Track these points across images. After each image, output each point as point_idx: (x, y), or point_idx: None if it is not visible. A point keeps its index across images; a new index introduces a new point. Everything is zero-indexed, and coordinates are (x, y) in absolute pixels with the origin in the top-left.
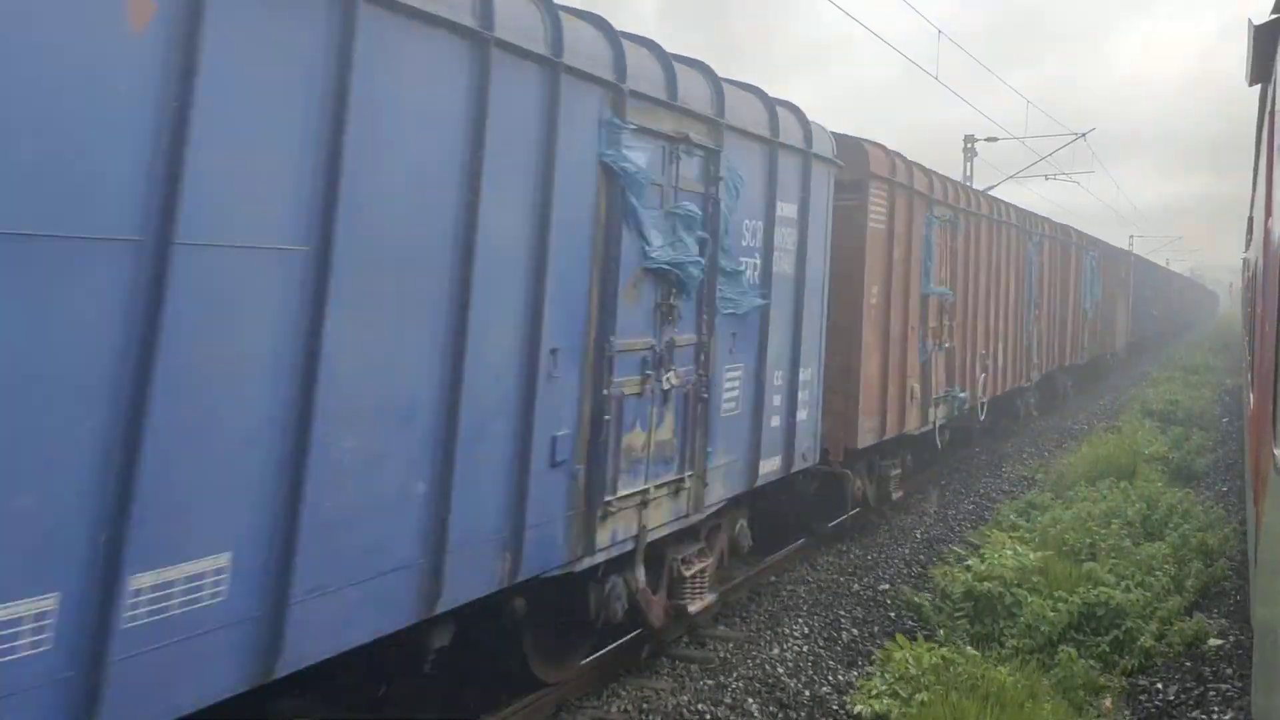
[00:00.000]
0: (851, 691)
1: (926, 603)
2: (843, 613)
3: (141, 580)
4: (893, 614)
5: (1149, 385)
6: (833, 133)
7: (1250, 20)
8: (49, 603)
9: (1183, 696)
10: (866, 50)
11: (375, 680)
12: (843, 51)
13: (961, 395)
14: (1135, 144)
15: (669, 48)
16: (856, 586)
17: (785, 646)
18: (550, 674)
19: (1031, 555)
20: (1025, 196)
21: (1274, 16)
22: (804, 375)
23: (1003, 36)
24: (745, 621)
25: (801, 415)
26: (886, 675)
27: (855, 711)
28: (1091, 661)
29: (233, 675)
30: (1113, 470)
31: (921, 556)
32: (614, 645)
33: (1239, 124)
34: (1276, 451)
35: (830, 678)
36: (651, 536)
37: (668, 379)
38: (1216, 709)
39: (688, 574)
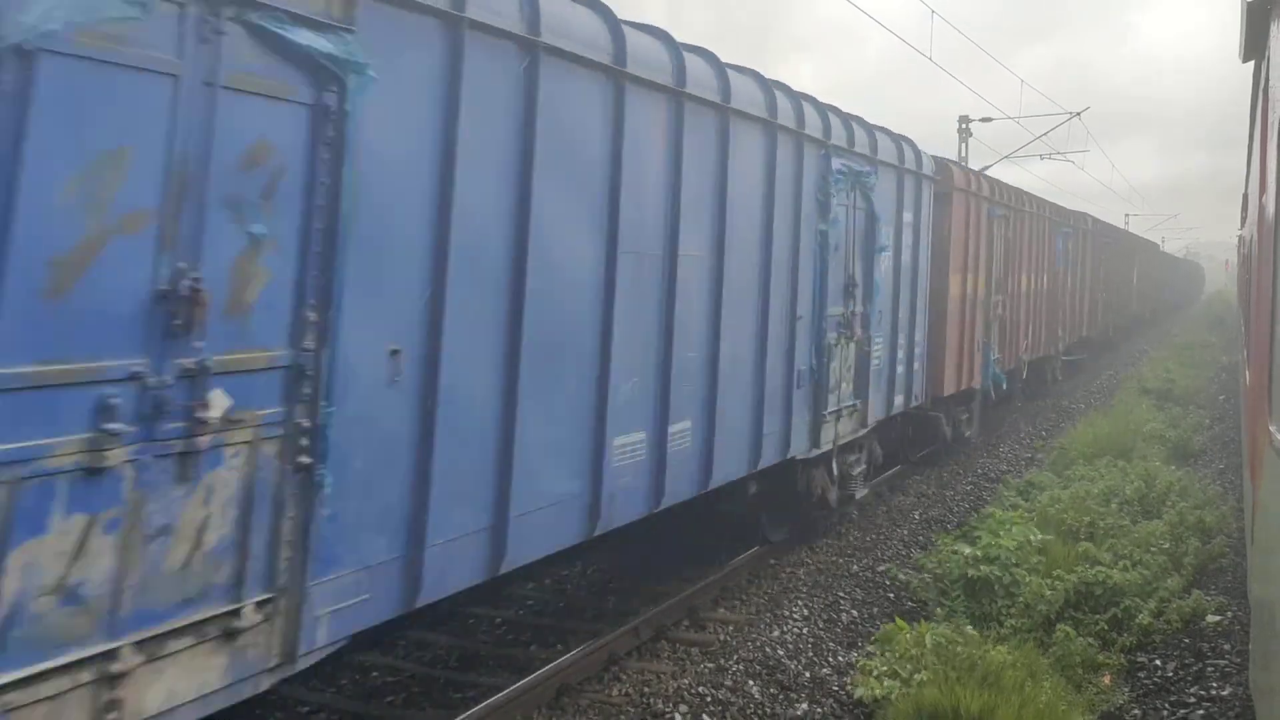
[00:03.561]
0: (852, 672)
1: (917, 580)
2: (842, 594)
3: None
4: (891, 595)
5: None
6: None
7: None
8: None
9: (1181, 672)
10: (867, 33)
11: None
12: (843, 35)
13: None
14: (1135, 123)
15: (674, 35)
16: (855, 568)
17: (785, 629)
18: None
19: (1035, 535)
20: (1021, 176)
21: None
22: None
23: (1000, 19)
24: (745, 604)
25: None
26: (887, 655)
27: (856, 695)
28: (1090, 639)
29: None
30: (1111, 449)
31: (920, 537)
32: None
33: (1237, 103)
34: (1273, 428)
35: (830, 659)
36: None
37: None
38: (1215, 684)
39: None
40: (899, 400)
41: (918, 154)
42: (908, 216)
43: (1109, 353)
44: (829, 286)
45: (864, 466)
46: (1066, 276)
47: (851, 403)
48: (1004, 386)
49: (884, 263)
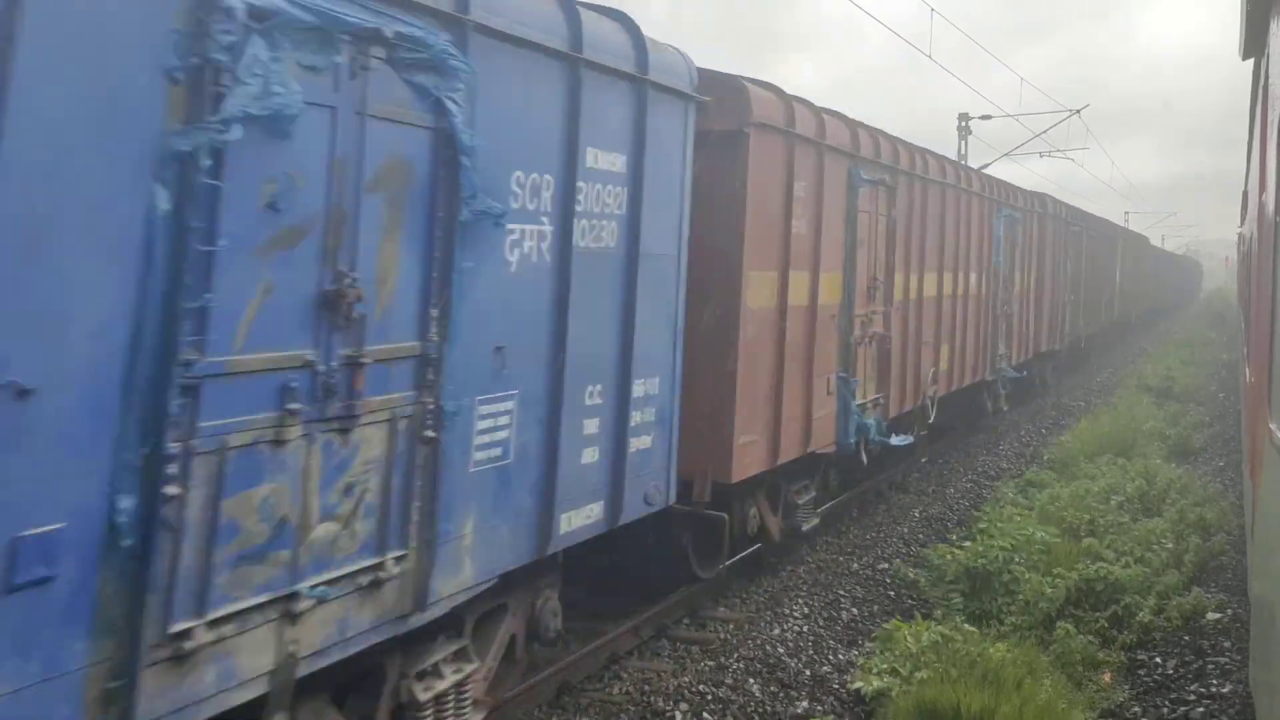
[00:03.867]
0: (852, 670)
1: (922, 579)
2: (842, 592)
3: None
4: (892, 593)
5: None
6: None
7: None
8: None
9: (1181, 670)
10: (867, 31)
11: None
12: (843, 33)
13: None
14: (1135, 121)
15: (673, 29)
16: (855, 566)
17: (785, 627)
18: None
19: (1039, 534)
20: (1021, 174)
21: None
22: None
23: (1001, 16)
24: (745, 603)
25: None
26: (887, 654)
27: (855, 689)
28: (1090, 637)
29: None
30: (1111, 447)
31: (920, 535)
32: None
33: (1238, 101)
34: (1273, 425)
35: (831, 657)
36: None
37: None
38: (1215, 682)
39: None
40: (584, 516)
41: (639, 43)
42: (606, 159)
43: (1090, 361)
44: (242, 306)
45: (461, 676)
46: (1013, 274)
47: (360, 565)
48: (891, 441)
49: (517, 247)
